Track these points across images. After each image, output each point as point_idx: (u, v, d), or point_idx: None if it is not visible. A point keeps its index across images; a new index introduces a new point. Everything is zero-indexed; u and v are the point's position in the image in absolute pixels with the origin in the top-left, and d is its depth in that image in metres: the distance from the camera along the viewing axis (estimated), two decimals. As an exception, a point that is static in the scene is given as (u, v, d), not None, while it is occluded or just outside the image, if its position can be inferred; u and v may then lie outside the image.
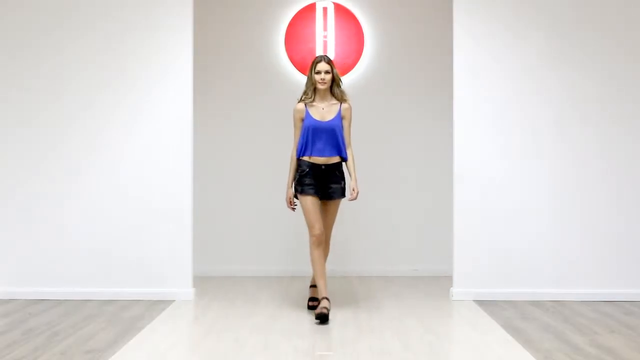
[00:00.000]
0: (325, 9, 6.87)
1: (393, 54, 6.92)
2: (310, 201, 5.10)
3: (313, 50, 6.80)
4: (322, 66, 5.17)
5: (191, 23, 5.68)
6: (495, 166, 5.68)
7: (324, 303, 4.92)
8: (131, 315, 5.05)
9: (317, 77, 5.16)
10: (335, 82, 5.22)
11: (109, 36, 5.68)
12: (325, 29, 6.86)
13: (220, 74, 6.89)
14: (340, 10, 6.88)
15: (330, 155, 5.15)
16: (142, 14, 5.68)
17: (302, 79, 6.48)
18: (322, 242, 5.10)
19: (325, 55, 5.24)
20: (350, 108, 5.23)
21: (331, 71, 5.17)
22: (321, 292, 5.01)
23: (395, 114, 6.91)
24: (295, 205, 5.25)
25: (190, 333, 4.81)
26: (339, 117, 5.18)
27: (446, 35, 6.13)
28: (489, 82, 5.69)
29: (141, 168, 5.65)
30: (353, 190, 5.20)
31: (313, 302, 5.23)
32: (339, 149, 5.16)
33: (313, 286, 5.36)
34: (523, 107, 5.69)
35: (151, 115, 5.66)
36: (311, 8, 6.89)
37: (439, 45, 6.71)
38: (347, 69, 6.83)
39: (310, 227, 5.10)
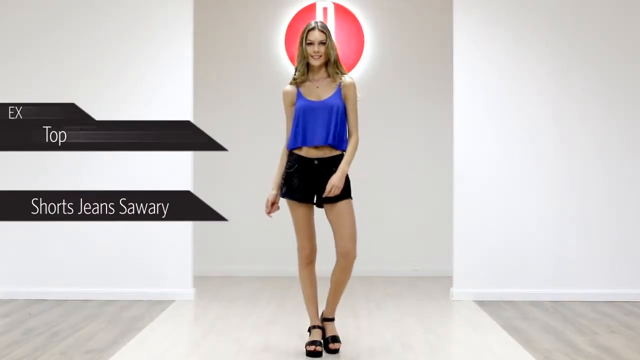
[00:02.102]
0: (325, 9, 6.87)
1: (393, 54, 6.93)
2: (300, 214, 4.02)
3: (313, 50, 6.80)
4: (316, 35, 3.94)
5: (191, 23, 5.67)
6: (495, 166, 5.68)
7: (315, 335, 4.07)
8: (131, 315, 5.05)
9: (309, 49, 3.96)
10: (330, 58, 3.99)
11: (109, 36, 5.68)
12: (325, 29, 6.86)
13: (221, 74, 6.89)
14: (340, 10, 6.88)
15: (329, 144, 3.97)
16: (142, 14, 5.68)
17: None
18: (312, 260, 4.10)
19: (320, 22, 4.03)
20: (353, 84, 4.01)
21: (326, 41, 3.97)
22: (312, 320, 4.14)
23: (395, 114, 6.91)
24: (277, 209, 4.13)
25: (190, 333, 4.81)
26: (339, 96, 3.99)
27: (446, 35, 6.13)
28: (489, 83, 5.69)
29: (141, 168, 5.64)
30: (329, 182, 3.91)
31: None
32: (337, 137, 3.97)
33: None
34: (523, 107, 5.69)
35: (151, 115, 5.65)
36: (311, 8, 6.88)
37: (439, 46, 6.71)
38: (347, 69, 6.80)
39: (298, 244, 4.09)
